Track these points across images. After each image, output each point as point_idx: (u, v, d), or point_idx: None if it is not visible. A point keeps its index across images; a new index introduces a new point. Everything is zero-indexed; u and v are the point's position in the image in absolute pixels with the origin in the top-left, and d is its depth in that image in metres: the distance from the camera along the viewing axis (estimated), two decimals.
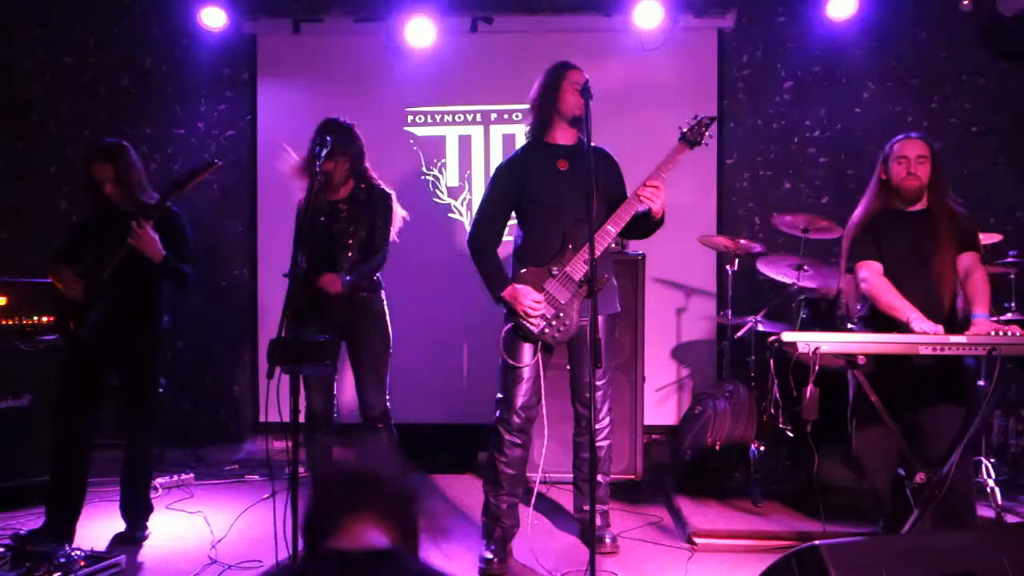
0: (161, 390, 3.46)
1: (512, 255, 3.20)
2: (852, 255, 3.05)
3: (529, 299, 2.96)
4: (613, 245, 3.21)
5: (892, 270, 2.97)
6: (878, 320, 2.96)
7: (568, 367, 3.25)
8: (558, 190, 3.06)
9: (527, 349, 3.04)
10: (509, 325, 3.06)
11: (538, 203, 3.10)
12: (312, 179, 2.95)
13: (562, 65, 3.14)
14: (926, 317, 2.77)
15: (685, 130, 3.07)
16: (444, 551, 3.20)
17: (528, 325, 2.99)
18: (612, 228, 2.99)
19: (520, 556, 3.17)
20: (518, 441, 3.08)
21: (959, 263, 2.97)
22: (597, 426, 2.98)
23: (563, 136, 3.15)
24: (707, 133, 3.09)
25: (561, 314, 3.00)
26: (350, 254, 3.27)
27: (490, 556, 3.06)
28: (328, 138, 3.06)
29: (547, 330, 3.00)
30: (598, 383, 2.99)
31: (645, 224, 3.12)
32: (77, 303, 3.19)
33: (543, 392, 3.10)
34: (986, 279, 2.93)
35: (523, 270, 3.06)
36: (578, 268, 2.98)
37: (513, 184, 3.15)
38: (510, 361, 3.04)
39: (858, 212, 3.11)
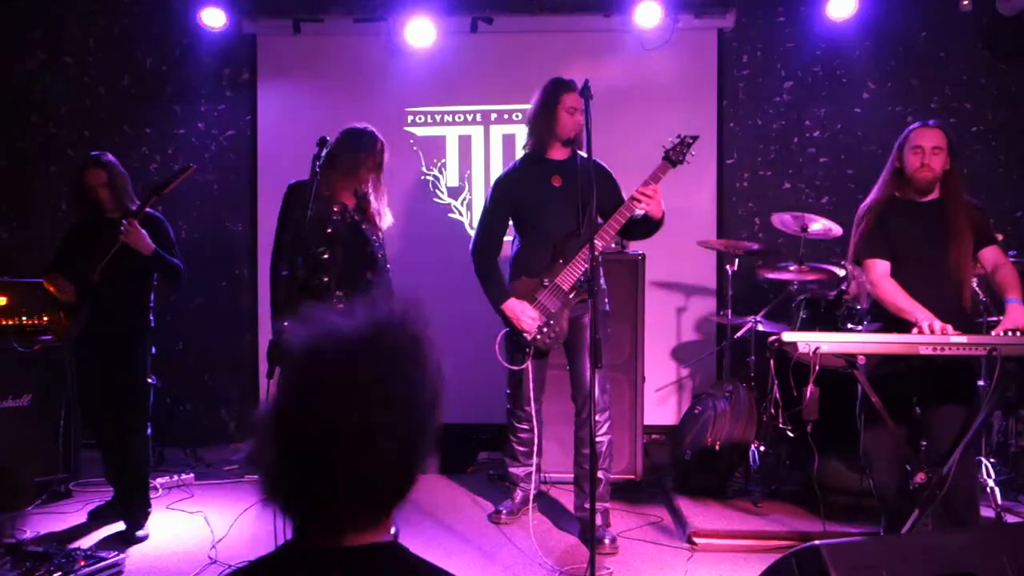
0: (152, 384, 3.50)
1: (509, 261, 3.42)
2: (860, 249, 2.98)
3: (526, 315, 3.22)
4: (613, 245, 3.39)
5: (904, 261, 2.90)
6: (885, 314, 2.91)
7: (568, 367, 3.41)
8: (551, 205, 3.25)
9: (522, 353, 3.28)
10: (505, 331, 3.32)
11: (532, 217, 3.31)
12: (312, 181, 2.95)
13: (557, 85, 3.25)
14: (938, 312, 2.72)
15: (668, 149, 3.19)
16: (445, 548, 3.22)
17: (524, 334, 3.24)
18: (600, 241, 3.15)
19: (520, 556, 3.18)
20: (526, 427, 3.49)
21: (984, 258, 2.92)
22: (597, 418, 3.13)
23: (558, 152, 3.32)
24: (689, 152, 3.18)
25: (552, 321, 3.24)
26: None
27: (503, 510, 3.58)
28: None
29: (539, 337, 3.24)
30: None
31: (645, 226, 3.27)
32: (71, 305, 3.41)
33: (544, 394, 3.44)
34: (1015, 270, 2.88)
35: (517, 280, 3.30)
36: (567, 279, 3.19)
37: (510, 197, 3.36)
38: (506, 364, 3.33)
39: (870, 198, 3.03)
